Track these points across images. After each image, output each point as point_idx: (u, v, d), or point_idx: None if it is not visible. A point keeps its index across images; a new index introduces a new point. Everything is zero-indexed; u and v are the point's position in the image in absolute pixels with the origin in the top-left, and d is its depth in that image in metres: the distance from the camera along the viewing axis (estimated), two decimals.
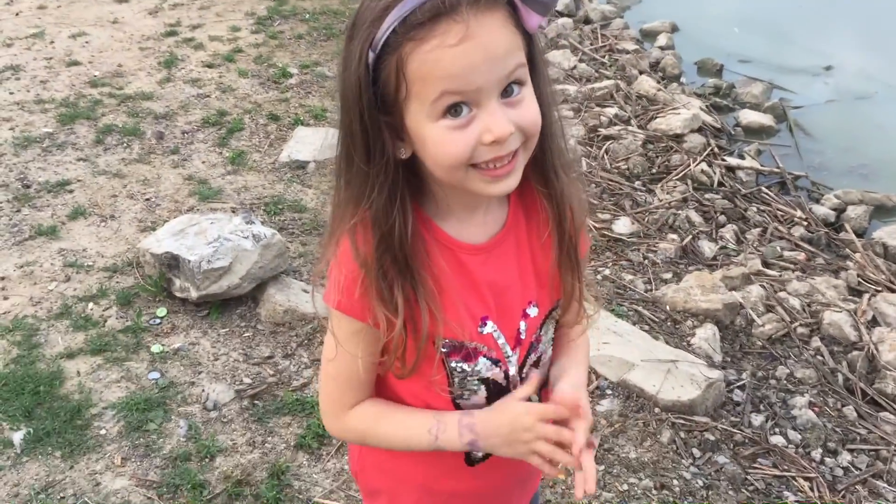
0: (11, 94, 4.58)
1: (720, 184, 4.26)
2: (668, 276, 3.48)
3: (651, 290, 3.37)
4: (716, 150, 4.54)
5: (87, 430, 2.63)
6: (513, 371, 1.22)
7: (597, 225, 3.77)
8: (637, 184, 4.17)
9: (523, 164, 1.10)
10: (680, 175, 4.25)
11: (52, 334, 3.00)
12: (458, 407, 1.22)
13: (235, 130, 4.29)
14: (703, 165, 4.33)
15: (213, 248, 3.00)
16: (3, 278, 3.26)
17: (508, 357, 1.21)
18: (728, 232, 3.84)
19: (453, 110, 1.03)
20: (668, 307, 3.25)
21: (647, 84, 5.09)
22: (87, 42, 5.22)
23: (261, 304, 3.11)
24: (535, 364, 1.26)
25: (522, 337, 1.22)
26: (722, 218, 3.97)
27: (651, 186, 4.16)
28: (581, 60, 5.49)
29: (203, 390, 2.78)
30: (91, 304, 3.14)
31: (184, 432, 2.63)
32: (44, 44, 5.17)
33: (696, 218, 3.91)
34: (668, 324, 3.18)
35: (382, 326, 1.11)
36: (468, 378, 1.20)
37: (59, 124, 4.30)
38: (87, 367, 2.86)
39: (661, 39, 6.08)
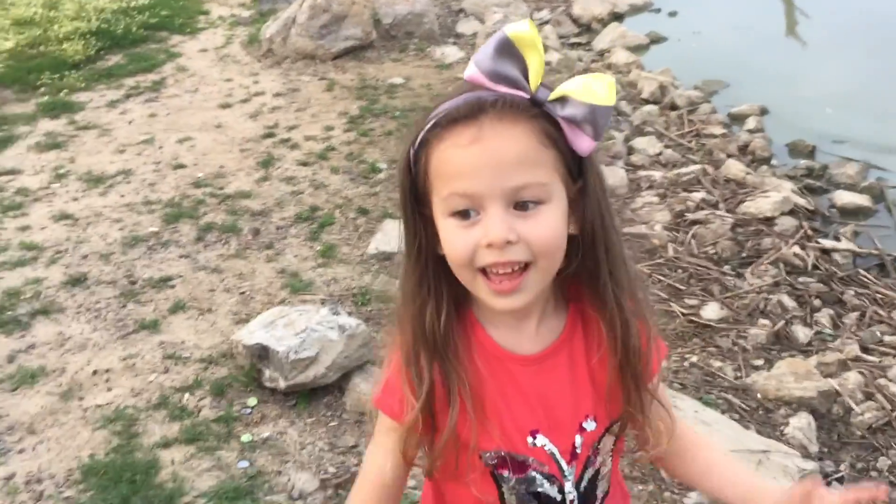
0: (122, 196, 4.91)
1: (815, 267, 4.14)
2: (760, 362, 3.38)
3: (741, 377, 3.28)
4: (809, 232, 4.43)
5: None
6: (569, 487, 1.19)
7: (684, 311, 3.71)
8: (726, 268, 4.10)
9: (536, 283, 1.09)
10: (771, 259, 4.16)
11: (149, 424, 3.13)
12: None
13: (326, 224, 4.46)
14: (796, 248, 4.22)
15: (301, 339, 3.11)
16: (107, 370, 3.44)
17: (564, 472, 1.19)
18: (823, 316, 3.71)
19: (463, 213, 1.07)
20: (759, 395, 3.15)
21: (735, 167, 5.04)
22: (192, 146, 5.56)
23: (346, 394, 3.17)
24: (594, 478, 1.22)
25: (578, 451, 1.19)
26: (817, 302, 3.84)
27: (741, 271, 4.08)
28: (667, 146, 5.49)
29: (289, 479, 2.83)
30: (187, 395, 3.27)
31: None
32: (153, 149, 5.54)
33: (788, 302, 3.80)
34: (760, 412, 3.08)
35: (410, 415, 1.13)
36: (520, 491, 1.18)
37: (164, 223, 4.57)
38: (181, 456, 2.96)
39: (750, 122, 6.03)
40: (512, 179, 1.04)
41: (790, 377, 3.14)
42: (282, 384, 3.13)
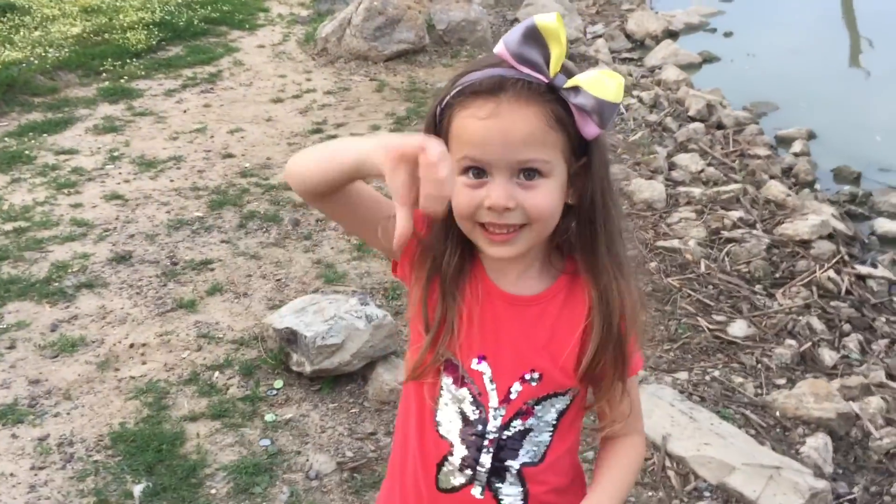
0: (172, 181, 5.07)
1: (848, 292, 4.11)
2: (782, 381, 3.38)
3: (761, 394, 3.28)
4: (846, 257, 4.40)
5: (200, 489, 2.82)
6: (493, 423, 1.29)
7: (710, 326, 3.72)
8: (757, 287, 4.09)
9: (527, 241, 1.21)
10: (804, 281, 4.14)
11: (179, 398, 3.25)
12: (436, 423, 1.32)
13: None
14: (831, 273, 4.20)
15: (328, 326, 3.20)
16: (144, 345, 3.57)
17: (492, 406, 1.29)
18: (852, 341, 3.69)
19: (474, 172, 1.18)
20: (777, 413, 3.15)
21: (776, 189, 5.03)
22: (242, 137, 5.71)
23: (369, 382, 3.25)
24: (522, 435, 1.30)
25: (512, 397, 1.28)
26: (846, 327, 3.82)
27: (772, 291, 4.08)
28: (710, 164, 5.49)
29: (307, 460, 2.92)
30: (217, 373, 3.38)
31: (286, 498, 2.77)
32: (205, 138, 5.71)
33: (817, 325, 3.78)
34: (777, 430, 3.08)
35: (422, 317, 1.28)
36: (451, 401, 1.30)
37: (209, 209, 4.71)
38: (206, 430, 3.07)
39: (797, 146, 6.00)
40: (519, 154, 1.16)
41: (810, 397, 3.14)
42: (308, 369, 3.23)
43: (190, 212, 4.70)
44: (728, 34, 8.71)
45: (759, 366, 3.48)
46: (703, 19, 8.99)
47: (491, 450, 1.30)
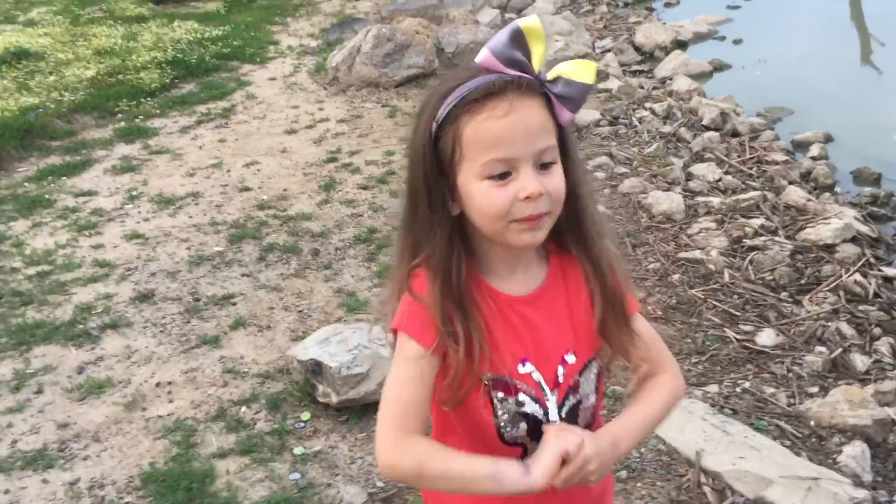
0: (190, 217, 5.10)
1: (876, 295, 4.05)
2: (815, 389, 3.33)
3: (794, 403, 3.23)
4: (871, 260, 4.34)
5: None
6: (552, 410, 1.38)
7: (738, 336, 3.68)
8: (783, 295, 4.05)
9: (549, 224, 1.32)
10: (831, 286, 4.09)
11: (207, 435, 3.24)
12: (501, 437, 1.37)
13: (384, 246, 4.56)
14: (857, 276, 4.14)
15: (353, 356, 3.19)
16: (170, 383, 3.57)
17: (547, 396, 1.38)
18: (883, 345, 3.63)
19: (498, 176, 1.27)
20: (812, 422, 3.10)
21: (796, 194, 4.98)
22: (258, 170, 5.74)
23: None
24: (576, 407, 1.41)
25: (560, 380, 1.39)
26: (877, 331, 3.76)
27: (798, 298, 4.03)
28: (727, 173, 5.45)
29: (338, 492, 2.90)
30: (244, 408, 3.38)
31: None
32: (221, 172, 5.74)
33: (847, 330, 3.73)
34: (813, 440, 3.03)
35: (448, 353, 1.30)
36: (511, 410, 1.36)
37: (228, 244, 4.73)
38: (235, 467, 3.06)
39: (814, 150, 5.95)
40: (538, 143, 1.27)
41: (845, 405, 3.09)
42: (334, 399, 3.21)
43: (210, 247, 4.72)
44: (737, 41, 8.67)
45: (791, 374, 3.43)
46: (711, 28, 8.96)
47: None
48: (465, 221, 1.34)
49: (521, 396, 1.36)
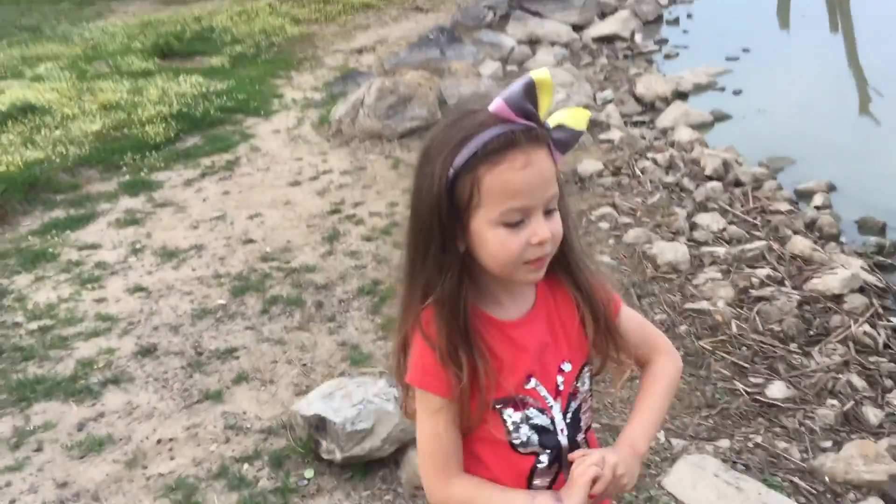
0: (194, 270, 5.08)
1: (886, 346, 4.02)
2: (828, 444, 3.27)
3: (808, 458, 3.17)
4: (880, 310, 4.31)
5: None
6: (557, 416, 1.50)
7: (748, 389, 3.63)
8: (792, 346, 4.00)
9: (547, 263, 1.42)
10: (840, 337, 4.05)
11: (209, 494, 3.18)
12: (514, 449, 1.47)
13: (388, 298, 4.53)
14: (866, 327, 4.11)
15: (357, 410, 3.14)
16: (171, 439, 3.51)
17: (551, 405, 1.49)
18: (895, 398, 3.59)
19: (514, 223, 1.35)
20: (826, 478, 3.04)
21: (801, 244, 4.97)
22: (262, 222, 5.74)
23: (401, 467, 3.17)
24: (577, 411, 1.53)
25: (561, 388, 1.50)
26: (888, 382, 3.72)
27: (808, 349, 3.98)
28: (731, 222, 5.45)
29: None
30: (246, 465, 3.31)
31: None
32: (225, 225, 5.74)
33: (858, 382, 3.68)
34: (828, 496, 2.97)
35: (455, 386, 1.39)
36: (520, 424, 1.46)
37: (231, 296, 4.71)
38: None
39: (818, 199, 5.96)
40: (548, 192, 1.37)
41: (859, 460, 3.03)
42: (338, 456, 3.16)
43: (213, 300, 4.69)
44: (737, 92, 8.75)
45: (803, 428, 3.37)
46: (711, 79, 9.05)
47: (565, 438, 1.50)
48: (468, 257, 1.41)
49: (530, 411, 1.46)
